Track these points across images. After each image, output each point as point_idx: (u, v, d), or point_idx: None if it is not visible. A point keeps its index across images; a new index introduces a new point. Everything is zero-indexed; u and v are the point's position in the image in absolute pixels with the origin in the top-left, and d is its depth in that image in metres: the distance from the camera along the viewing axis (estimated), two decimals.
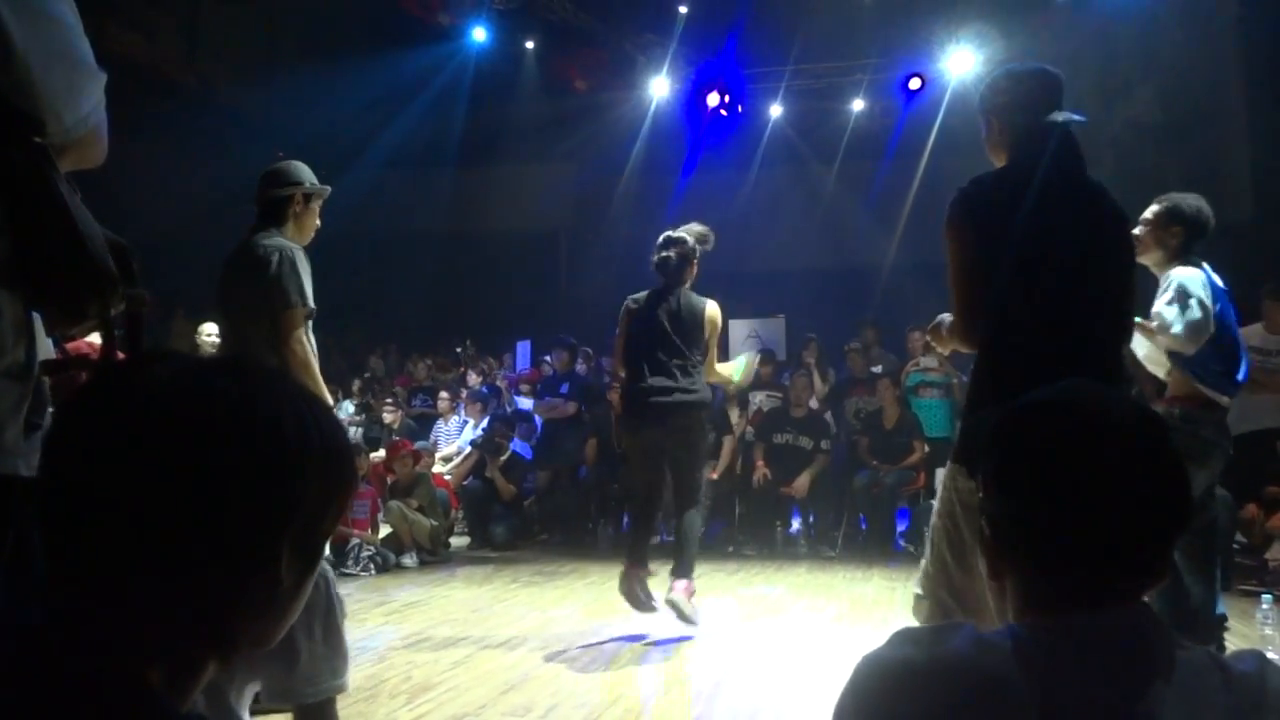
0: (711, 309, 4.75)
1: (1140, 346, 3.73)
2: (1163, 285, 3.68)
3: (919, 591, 2.53)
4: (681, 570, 4.69)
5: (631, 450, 4.99)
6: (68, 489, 0.73)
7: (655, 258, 4.80)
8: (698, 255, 4.83)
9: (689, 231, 4.83)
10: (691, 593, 4.67)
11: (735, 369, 5.18)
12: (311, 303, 3.35)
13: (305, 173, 3.57)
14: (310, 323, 3.40)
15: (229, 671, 0.79)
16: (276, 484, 0.75)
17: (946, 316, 2.77)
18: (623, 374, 4.94)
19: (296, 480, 0.76)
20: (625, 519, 8.23)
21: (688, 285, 4.81)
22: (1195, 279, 3.62)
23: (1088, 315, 2.42)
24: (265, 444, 0.75)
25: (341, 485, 0.81)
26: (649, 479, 4.82)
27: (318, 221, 3.60)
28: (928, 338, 2.91)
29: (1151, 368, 3.83)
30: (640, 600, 4.67)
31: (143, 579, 0.72)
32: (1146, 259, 3.80)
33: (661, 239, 4.82)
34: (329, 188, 3.64)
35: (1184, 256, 3.72)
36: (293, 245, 3.39)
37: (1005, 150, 2.61)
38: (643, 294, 4.86)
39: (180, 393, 0.74)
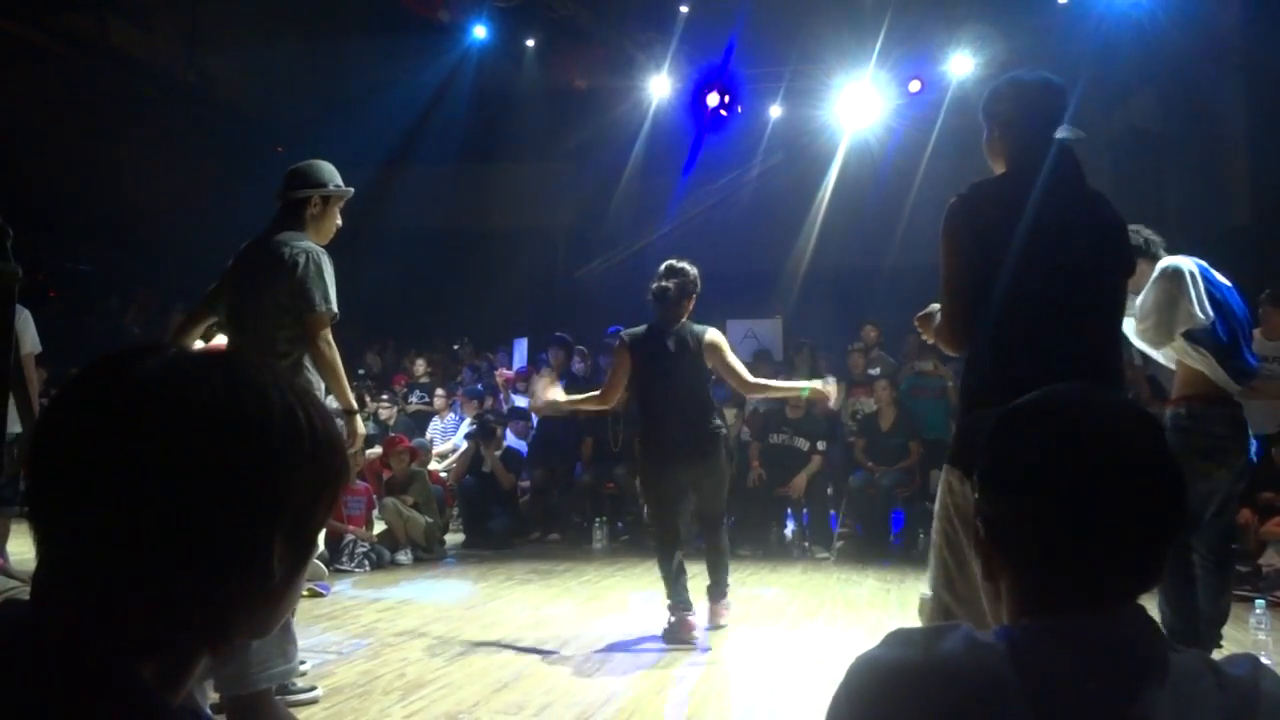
0: (710, 335, 4.68)
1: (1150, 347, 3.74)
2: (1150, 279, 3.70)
3: (926, 593, 2.54)
4: (717, 592, 4.89)
5: (648, 491, 4.96)
6: (57, 481, 0.73)
7: (654, 286, 4.68)
8: (697, 290, 4.74)
9: (691, 265, 4.73)
10: (727, 609, 4.93)
11: (802, 388, 4.85)
12: (335, 307, 3.41)
13: (327, 174, 3.59)
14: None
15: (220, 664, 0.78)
16: (266, 476, 0.75)
17: (936, 306, 2.78)
18: (604, 408, 4.95)
19: (286, 472, 0.76)
20: (620, 522, 8.27)
21: (685, 319, 4.71)
22: (1181, 262, 3.63)
23: (1085, 321, 2.44)
24: (255, 436, 0.74)
25: (332, 477, 0.81)
26: (665, 519, 4.78)
27: (338, 223, 3.65)
28: (916, 324, 2.92)
29: (1165, 360, 3.84)
30: (692, 640, 4.61)
31: (133, 573, 0.72)
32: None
33: (664, 267, 4.71)
34: (351, 190, 3.65)
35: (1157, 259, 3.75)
36: (318, 249, 3.44)
37: (1004, 157, 2.62)
38: (639, 329, 4.76)
39: (170, 385, 0.74)
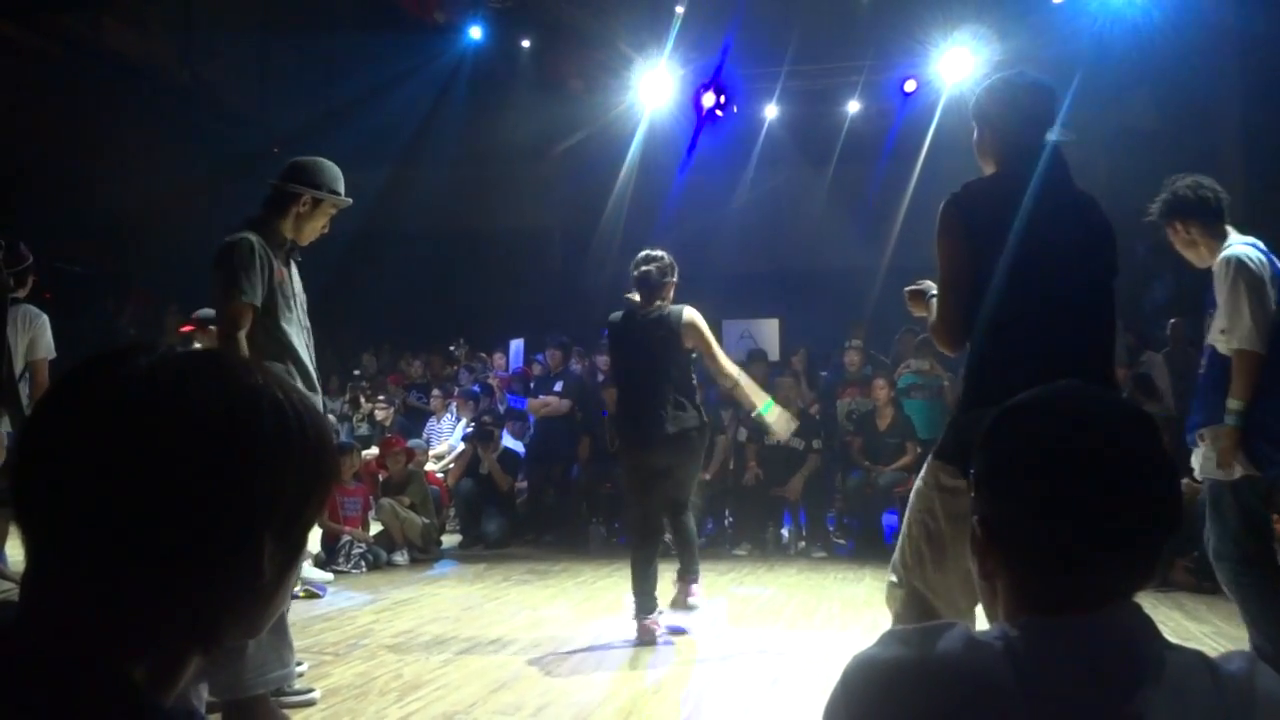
0: (688, 314, 4.65)
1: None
2: (1216, 277, 3.49)
3: (894, 579, 2.54)
4: (689, 574, 4.82)
5: (628, 477, 4.94)
6: (45, 481, 0.72)
7: (636, 273, 4.74)
8: (675, 274, 4.79)
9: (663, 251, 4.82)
10: (697, 591, 4.82)
11: (764, 402, 4.83)
12: (253, 297, 3.20)
13: (327, 177, 3.50)
14: (282, 318, 3.29)
15: (211, 664, 0.78)
16: (256, 476, 0.74)
17: (930, 284, 2.78)
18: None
19: (277, 472, 0.76)
20: (617, 523, 8.27)
21: (667, 302, 4.75)
22: (1242, 253, 3.43)
23: (1077, 322, 2.44)
24: (244, 436, 0.74)
25: (322, 476, 0.80)
26: (645, 509, 4.76)
27: (325, 228, 3.55)
28: (906, 297, 2.90)
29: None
30: (655, 640, 4.60)
31: (123, 573, 0.71)
32: (1198, 263, 3.64)
33: (640, 256, 4.79)
34: (348, 200, 3.56)
35: (1222, 239, 3.54)
36: (246, 238, 3.25)
37: (995, 159, 2.63)
38: (618, 315, 4.82)
39: (159, 385, 0.73)
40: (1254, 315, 3.35)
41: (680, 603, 4.79)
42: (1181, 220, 3.61)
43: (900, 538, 2.58)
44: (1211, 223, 3.59)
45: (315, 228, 3.52)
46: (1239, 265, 3.41)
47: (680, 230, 12.35)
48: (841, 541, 7.89)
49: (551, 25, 11.54)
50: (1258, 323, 3.35)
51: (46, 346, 5.23)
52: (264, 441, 0.75)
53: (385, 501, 7.10)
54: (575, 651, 4.39)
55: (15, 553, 5.78)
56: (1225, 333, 3.44)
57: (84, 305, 10.96)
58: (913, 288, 2.87)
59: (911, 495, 2.59)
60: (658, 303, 4.72)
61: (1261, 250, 3.49)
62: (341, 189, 3.55)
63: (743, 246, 12.94)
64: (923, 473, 2.55)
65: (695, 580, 4.82)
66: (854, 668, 1.00)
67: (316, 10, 12.67)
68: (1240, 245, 3.49)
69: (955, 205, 2.50)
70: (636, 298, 4.79)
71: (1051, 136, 2.53)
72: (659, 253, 4.81)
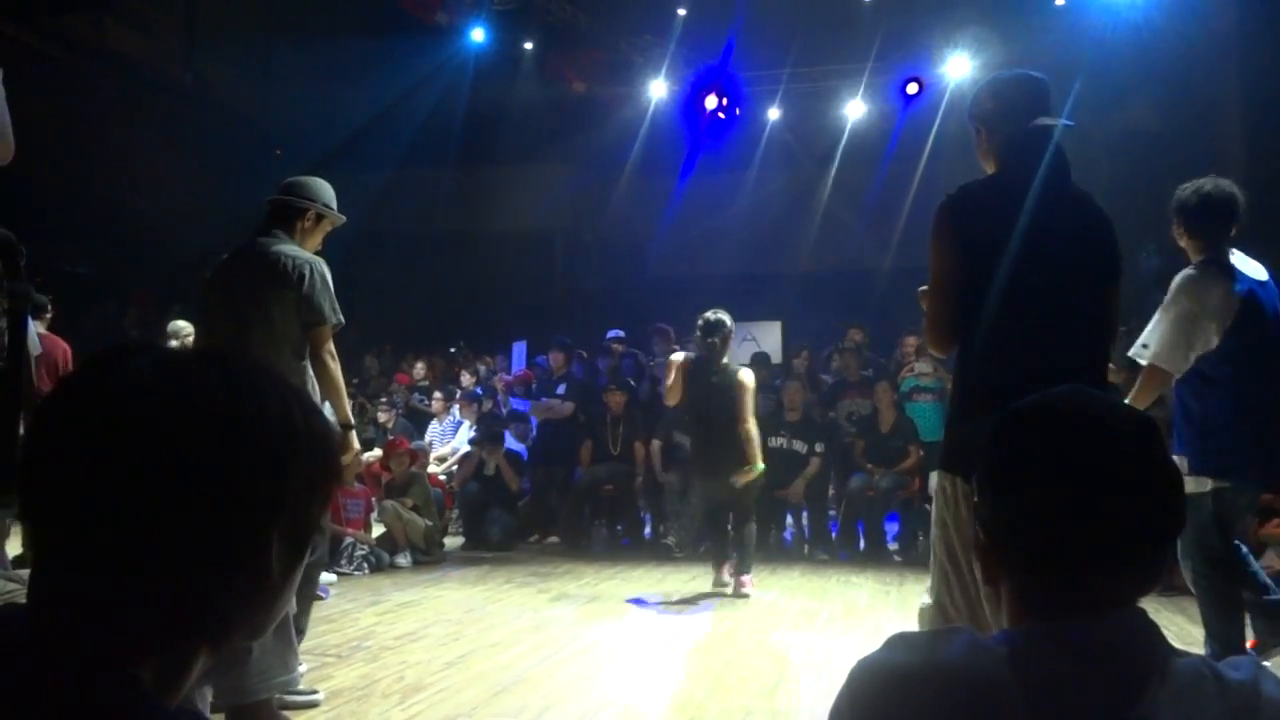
0: (746, 377, 5.74)
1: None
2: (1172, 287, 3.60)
3: (926, 600, 2.52)
4: (743, 568, 5.91)
5: (699, 496, 6.52)
6: (52, 482, 0.72)
7: (704, 342, 5.75)
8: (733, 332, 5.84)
9: (725, 315, 5.76)
10: (748, 583, 5.86)
11: (757, 464, 5.80)
12: (341, 317, 3.49)
13: (326, 193, 3.68)
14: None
15: (217, 669, 0.78)
16: (265, 475, 0.74)
17: None
18: (670, 402, 5.89)
19: (284, 471, 0.76)
20: (619, 525, 8.28)
21: (726, 359, 5.77)
22: (1182, 281, 3.54)
23: (1073, 325, 2.42)
24: (251, 435, 0.74)
25: (327, 474, 0.81)
26: (711, 515, 6.20)
27: (320, 245, 3.70)
28: (919, 297, 2.89)
29: None
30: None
31: (131, 573, 0.71)
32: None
33: (704, 324, 5.75)
34: (344, 218, 3.75)
35: (1210, 249, 3.64)
36: (318, 259, 3.50)
37: (995, 158, 2.61)
38: (693, 356, 5.84)
39: (164, 385, 0.73)
40: (1169, 338, 3.49)
41: (736, 592, 5.79)
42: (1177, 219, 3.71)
43: (931, 556, 2.56)
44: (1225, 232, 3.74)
45: (314, 243, 3.66)
46: (1182, 287, 3.52)
47: (683, 232, 12.37)
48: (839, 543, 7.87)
49: (554, 27, 11.55)
50: (1171, 344, 3.49)
51: (32, 344, 5.25)
52: (272, 440, 0.75)
53: (388, 503, 7.10)
54: (578, 654, 4.39)
55: (15, 552, 5.77)
56: (1145, 347, 3.58)
57: (87, 308, 10.98)
58: (926, 288, 2.85)
59: (933, 510, 2.57)
60: (723, 362, 5.73)
61: (1236, 273, 3.56)
62: (335, 206, 3.71)
63: (745, 249, 12.95)
64: (935, 488, 2.54)
65: (748, 573, 5.89)
66: (859, 672, 1.00)
67: (319, 12, 12.69)
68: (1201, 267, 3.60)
69: (949, 208, 2.49)
70: (691, 351, 5.90)
71: (1044, 121, 2.51)
72: (719, 319, 5.74)
